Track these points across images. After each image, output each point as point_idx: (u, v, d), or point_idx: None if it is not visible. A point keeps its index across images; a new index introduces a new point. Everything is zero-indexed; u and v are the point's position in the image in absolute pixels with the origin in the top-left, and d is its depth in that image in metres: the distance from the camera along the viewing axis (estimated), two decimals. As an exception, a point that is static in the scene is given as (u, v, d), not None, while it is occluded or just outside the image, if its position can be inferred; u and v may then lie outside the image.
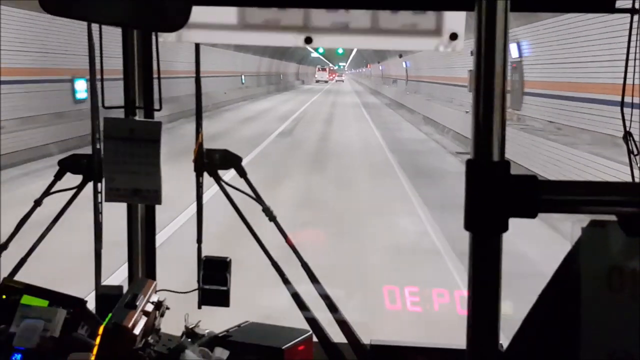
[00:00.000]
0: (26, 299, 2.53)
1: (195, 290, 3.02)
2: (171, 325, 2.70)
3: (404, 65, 49.75)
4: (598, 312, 1.17)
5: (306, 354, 2.77)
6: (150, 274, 3.10)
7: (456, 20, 2.59)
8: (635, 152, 2.03)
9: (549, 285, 1.24)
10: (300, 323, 2.84)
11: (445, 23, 2.60)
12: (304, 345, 2.76)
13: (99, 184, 2.97)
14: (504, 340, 1.25)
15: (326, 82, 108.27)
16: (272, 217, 3.00)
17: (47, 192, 2.97)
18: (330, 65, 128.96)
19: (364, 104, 48.92)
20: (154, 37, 2.96)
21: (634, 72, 2.11)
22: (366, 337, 2.83)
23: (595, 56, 14.56)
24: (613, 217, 1.16)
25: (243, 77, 52.08)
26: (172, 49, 22.07)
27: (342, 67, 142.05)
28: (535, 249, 9.09)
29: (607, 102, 13.19)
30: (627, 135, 2.06)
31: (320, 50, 72.51)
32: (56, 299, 2.55)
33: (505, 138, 1.13)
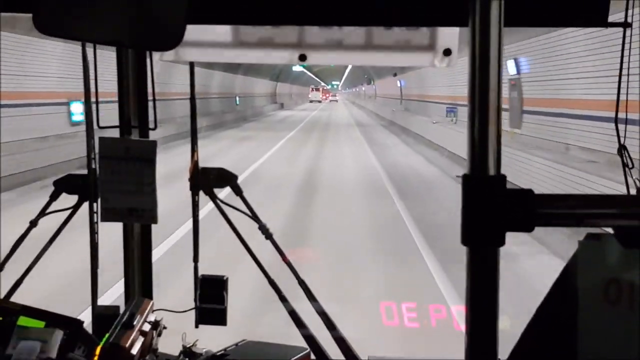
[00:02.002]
0: (22, 320, 2.52)
1: (192, 309, 3.01)
2: (169, 345, 2.69)
3: (515, 72, 18.47)
4: (596, 324, 1.17)
5: None
6: (147, 293, 3.09)
7: (449, 35, 2.61)
8: (630, 166, 2.03)
9: (547, 298, 1.24)
10: (298, 341, 2.82)
11: (439, 39, 2.61)
12: None
13: (95, 204, 2.96)
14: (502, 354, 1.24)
15: (319, 101, 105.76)
16: (268, 235, 3.00)
17: (42, 213, 2.96)
18: (323, 84, 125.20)
19: (408, 200, 14.89)
20: (148, 56, 2.96)
21: (627, 86, 2.12)
22: (363, 353, 2.81)
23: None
24: (609, 230, 1.16)
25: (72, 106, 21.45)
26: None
27: (335, 86, 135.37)
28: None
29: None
30: (622, 149, 2.06)
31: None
32: (53, 319, 2.54)
33: (501, 152, 1.13)
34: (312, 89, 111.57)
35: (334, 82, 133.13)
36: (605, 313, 1.17)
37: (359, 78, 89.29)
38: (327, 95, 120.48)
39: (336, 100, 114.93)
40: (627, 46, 2.15)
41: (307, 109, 79.38)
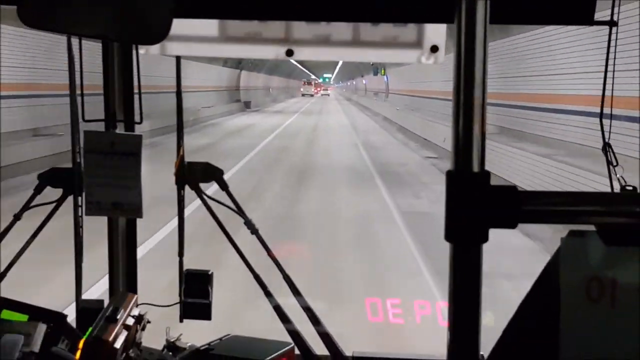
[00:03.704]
0: (5, 314, 2.51)
1: (176, 303, 3.01)
2: (153, 339, 2.68)
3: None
4: (577, 322, 1.17)
5: None
6: (132, 287, 3.08)
7: (437, 32, 2.61)
8: (614, 163, 2.04)
9: (529, 295, 1.24)
10: (283, 336, 2.83)
11: (426, 35, 2.61)
12: (286, 357, 2.75)
13: (79, 198, 2.95)
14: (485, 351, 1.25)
15: (312, 95, 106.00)
16: (254, 230, 2.99)
17: (26, 206, 2.94)
18: (313, 76, 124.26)
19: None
20: (134, 50, 2.95)
21: (612, 83, 2.13)
22: (348, 348, 2.82)
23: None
24: (592, 227, 1.17)
25: None
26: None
27: (327, 79, 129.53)
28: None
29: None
30: (606, 147, 2.07)
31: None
32: (36, 313, 2.53)
33: (485, 149, 1.13)
34: (305, 82, 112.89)
35: (325, 75, 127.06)
36: (587, 310, 1.17)
37: (358, 68, 74.70)
38: (319, 89, 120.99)
39: (328, 94, 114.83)
40: (612, 44, 2.15)
41: (284, 110, 58.06)
